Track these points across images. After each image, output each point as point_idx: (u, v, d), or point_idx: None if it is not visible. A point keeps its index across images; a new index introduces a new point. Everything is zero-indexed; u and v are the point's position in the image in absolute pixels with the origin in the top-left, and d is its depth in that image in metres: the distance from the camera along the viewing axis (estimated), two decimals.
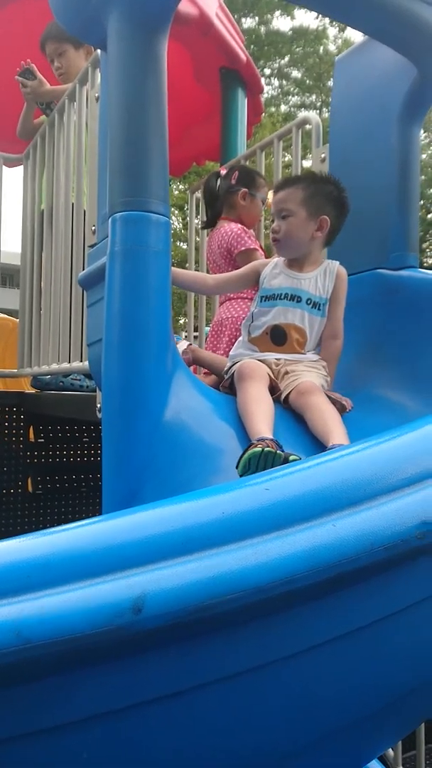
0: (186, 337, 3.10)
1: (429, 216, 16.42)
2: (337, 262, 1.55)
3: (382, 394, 1.59)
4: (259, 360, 1.44)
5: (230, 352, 1.60)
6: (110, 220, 1.18)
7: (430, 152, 16.38)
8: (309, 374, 1.40)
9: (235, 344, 1.60)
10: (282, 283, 1.50)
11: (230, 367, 1.47)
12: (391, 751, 2.08)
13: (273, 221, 1.52)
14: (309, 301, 1.48)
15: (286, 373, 1.42)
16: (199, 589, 0.48)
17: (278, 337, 1.48)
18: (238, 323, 1.92)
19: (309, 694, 0.56)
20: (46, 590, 0.47)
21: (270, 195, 1.76)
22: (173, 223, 14.08)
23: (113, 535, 0.52)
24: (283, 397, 1.37)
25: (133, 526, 0.54)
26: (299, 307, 1.47)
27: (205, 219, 2.49)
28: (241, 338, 1.57)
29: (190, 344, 1.95)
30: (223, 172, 2.33)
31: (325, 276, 1.51)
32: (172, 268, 1.43)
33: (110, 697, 0.49)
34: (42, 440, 2.57)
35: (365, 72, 1.78)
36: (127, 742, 0.51)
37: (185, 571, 0.49)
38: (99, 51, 1.47)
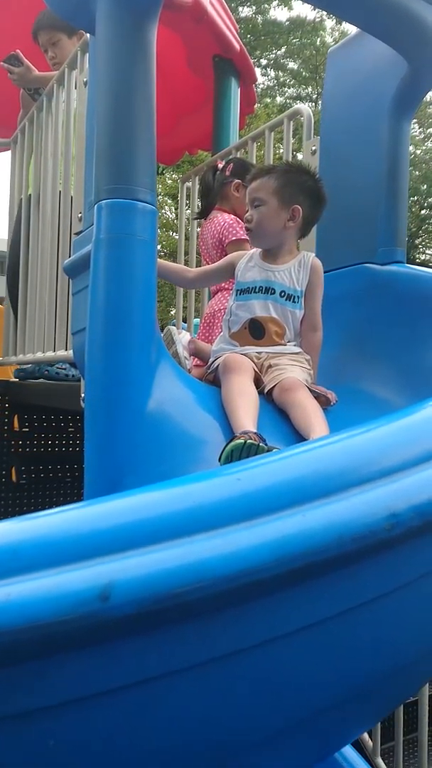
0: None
1: (422, 212, 16.48)
2: (312, 254, 1.55)
3: (367, 388, 1.60)
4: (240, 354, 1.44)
5: (212, 347, 1.60)
6: (95, 207, 1.17)
7: (424, 148, 16.40)
8: (293, 369, 1.40)
9: (216, 340, 1.60)
10: (256, 276, 1.50)
11: (213, 362, 1.47)
12: (370, 742, 2.12)
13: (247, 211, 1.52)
14: (283, 293, 1.48)
15: (270, 366, 1.42)
16: (167, 578, 0.48)
17: (256, 331, 1.48)
18: None
19: (278, 681, 0.56)
20: (13, 578, 0.47)
21: None
22: (166, 213, 13.98)
23: (83, 524, 0.52)
24: (266, 390, 1.37)
25: (103, 514, 0.54)
26: (272, 299, 1.47)
27: (197, 210, 2.49)
28: (221, 334, 1.57)
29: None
30: (220, 165, 2.33)
31: (300, 268, 1.50)
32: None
33: (78, 684, 0.49)
34: (26, 429, 2.56)
35: (357, 65, 1.77)
36: (95, 729, 0.51)
37: (154, 560, 0.49)
38: (88, 35, 1.45)
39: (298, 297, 1.49)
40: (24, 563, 0.48)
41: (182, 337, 1.72)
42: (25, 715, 0.47)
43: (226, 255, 2.13)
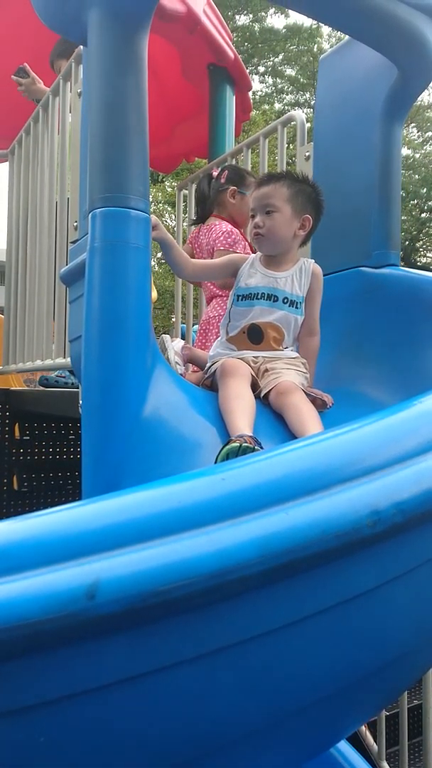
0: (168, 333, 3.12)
1: (423, 215, 16.50)
2: (312, 261, 1.57)
3: (363, 390, 1.61)
4: (237, 358, 1.45)
5: (209, 352, 1.61)
6: (90, 216, 1.19)
7: (423, 151, 16.45)
8: (289, 373, 1.41)
9: (214, 344, 1.61)
10: (258, 283, 1.51)
11: (210, 366, 1.48)
12: (375, 747, 2.11)
13: (254, 216, 1.52)
14: (286, 300, 1.49)
15: (266, 370, 1.43)
16: (153, 576, 0.49)
17: (255, 336, 1.49)
18: None
19: (266, 676, 0.57)
20: (4, 578, 0.49)
21: None
22: (165, 220, 14.04)
23: (71, 524, 0.53)
24: (263, 394, 1.38)
25: (91, 515, 0.55)
26: (276, 307, 1.48)
27: (194, 217, 2.51)
28: (219, 338, 1.58)
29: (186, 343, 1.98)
30: (215, 173, 2.35)
31: (301, 274, 1.52)
32: (172, 239, 1.41)
33: (67, 681, 0.50)
34: (27, 437, 2.57)
35: (348, 71, 1.79)
36: (85, 725, 0.52)
37: (140, 559, 0.50)
38: (82, 47, 1.47)
39: (299, 303, 1.51)
40: (13, 563, 0.49)
41: (175, 344, 1.74)
42: (14, 713, 0.48)
43: None
